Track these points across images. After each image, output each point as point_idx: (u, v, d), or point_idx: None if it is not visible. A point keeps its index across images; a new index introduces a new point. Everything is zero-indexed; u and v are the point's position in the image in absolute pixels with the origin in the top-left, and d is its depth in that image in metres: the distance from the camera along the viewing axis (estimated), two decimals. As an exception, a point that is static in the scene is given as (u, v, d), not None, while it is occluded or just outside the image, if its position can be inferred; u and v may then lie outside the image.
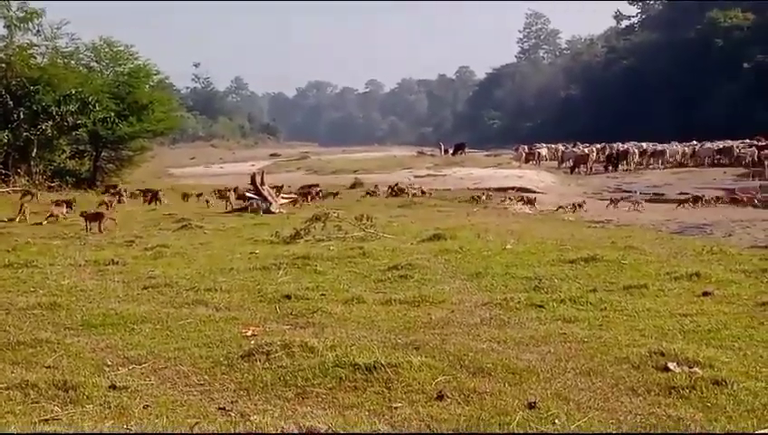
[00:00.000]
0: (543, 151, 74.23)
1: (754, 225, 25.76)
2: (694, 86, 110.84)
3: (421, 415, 7.02)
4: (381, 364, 8.06)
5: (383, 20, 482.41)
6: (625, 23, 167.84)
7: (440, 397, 7.43)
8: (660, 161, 63.16)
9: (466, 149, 77.98)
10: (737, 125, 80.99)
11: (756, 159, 58.59)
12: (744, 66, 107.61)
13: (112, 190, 38.17)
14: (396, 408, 7.22)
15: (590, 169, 60.90)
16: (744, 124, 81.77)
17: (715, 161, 62.83)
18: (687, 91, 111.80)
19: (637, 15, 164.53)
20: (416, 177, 49.56)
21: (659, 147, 66.99)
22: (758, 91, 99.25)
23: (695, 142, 69.13)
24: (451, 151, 76.57)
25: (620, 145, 70.81)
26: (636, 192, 39.26)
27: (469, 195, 36.77)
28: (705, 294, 11.83)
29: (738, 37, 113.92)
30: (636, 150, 65.24)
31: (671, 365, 8.06)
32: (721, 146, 65.88)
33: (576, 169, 60.55)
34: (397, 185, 38.63)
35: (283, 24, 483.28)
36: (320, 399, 7.52)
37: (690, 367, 8.02)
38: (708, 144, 67.47)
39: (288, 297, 12.08)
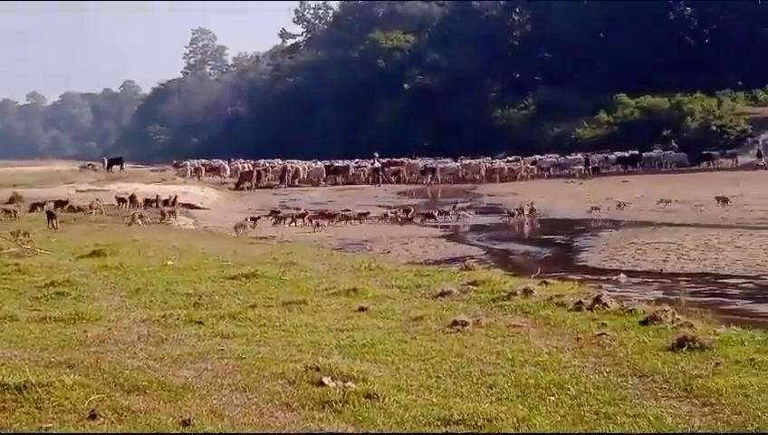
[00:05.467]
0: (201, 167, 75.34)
1: (412, 241, 26.79)
2: (359, 105, 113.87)
3: (72, 435, 6.85)
4: (32, 384, 7.85)
5: (48, 30, 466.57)
6: (290, 41, 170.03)
7: (93, 416, 7.31)
8: (286, 180, 66.30)
9: (124, 164, 75.86)
10: (400, 143, 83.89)
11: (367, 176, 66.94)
12: (404, 87, 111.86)
13: None
14: (47, 429, 7.04)
15: (254, 185, 61.29)
16: (406, 142, 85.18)
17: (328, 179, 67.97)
18: (353, 110, 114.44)
19: (302, 35, 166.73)
20: (78, 191, 48.24)
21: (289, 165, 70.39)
22: (417, 111, 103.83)
23: (326, 161, 73.74)
24: (105, 166, 73.94)
25: (270, 161, 74.60)
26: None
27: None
28: (362, 309, 12.14)
29: (399, 59, 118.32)
30: (280, 168, 69.31)
31: (326, 380, 8.23)
32: (338, 165, 71.93)
33: (241, 186, 60.88)
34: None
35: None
36: (-36, 422, 7.22)
37: (344, 381, 8.22)
38: (320, 163, 72.17)
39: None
